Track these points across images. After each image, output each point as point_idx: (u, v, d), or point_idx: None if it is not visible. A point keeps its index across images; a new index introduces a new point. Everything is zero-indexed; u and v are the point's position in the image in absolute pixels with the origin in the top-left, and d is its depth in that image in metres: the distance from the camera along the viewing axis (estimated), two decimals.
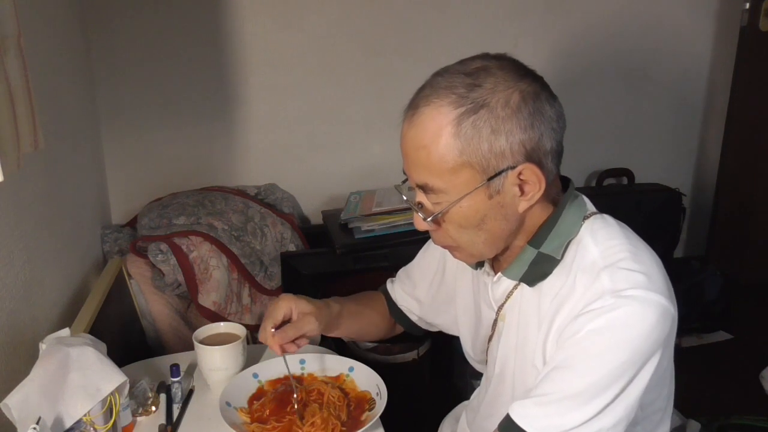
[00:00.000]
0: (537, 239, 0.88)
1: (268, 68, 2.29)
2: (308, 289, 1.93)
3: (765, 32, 2.47)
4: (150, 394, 1.11)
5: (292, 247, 2.10)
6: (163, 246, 1.80)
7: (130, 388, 1.05)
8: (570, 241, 0.87)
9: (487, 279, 0.97)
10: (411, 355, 1.73)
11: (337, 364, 1.16)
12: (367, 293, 1.26)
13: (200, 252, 1.84)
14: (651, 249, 0.87)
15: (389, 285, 1.23)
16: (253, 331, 1.92)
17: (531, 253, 0.88)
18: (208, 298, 1.83)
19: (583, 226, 0.88)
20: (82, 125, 1.94)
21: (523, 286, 0.91)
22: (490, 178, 0.81)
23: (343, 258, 1.94)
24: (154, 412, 1.10)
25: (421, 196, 0.86)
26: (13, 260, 1.17)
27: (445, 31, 2.39)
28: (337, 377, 1.15)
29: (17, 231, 1.21)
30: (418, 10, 2.36)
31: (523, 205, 0.84)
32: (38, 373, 0.93)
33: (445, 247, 0.93)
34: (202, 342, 1.15)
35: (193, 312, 1.86)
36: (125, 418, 1.03)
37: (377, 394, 1.07)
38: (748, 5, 2.50)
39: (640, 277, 0.80)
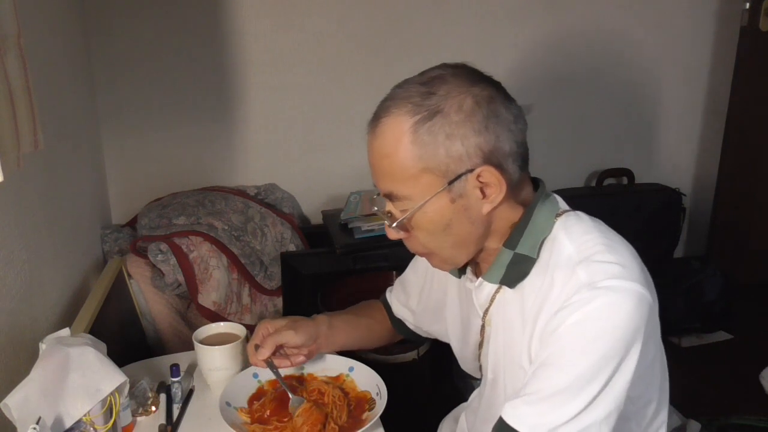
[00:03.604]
0: (511, 240, 0.89)
1: (268, 68, 2.29)
2: (308, 289, 1.93)
3: (765, 32, 2.47)
4: (150, 394, 1.11)
5: (292, 247, 2.10)
6: (163, 246, 1.80)
7: (130, 388, 1.05)
8: (544, 240, 0.88)
9: (470, 285, 0.97)
10: (411, 355, 1.73)
11: (337, 364, 1.17)
12: (366, 302, 1.28)
13: (200, 252, 1.84)
14: (626, 241, 0.88)
15: (388, 294, 1.25)
16: (253, 331, 1.91)
17: (507, 255, 0.89)
18: (208, 298, 1.83)
19: (556, 224, 0.88)
20: (82, 125, 1.94)
21: (505, 289, 0.91)
22: (451, 182, 0.83)
23: (343, 258, 1.94)
24: (154, 412, 1.10)
25: (389, 205, 0.89)
26: (13, 260, 1.17)
27: (445, 31, 2.39)
28: (337, 377, 1.15)
29: (17, 231, 1.21)
30: (419, 10, 2.36)
31: (486, 208, 0.86)
32: (38, 373, 0.93)
33: (419, 254, 0.95)
34: (202, 342, 1.15)
35: (193, 312, 1.86)
36: (125, 418, 1.03)
37: (377, 394, 1.07)
38: (748, 5, 2.50)
39: (614, 268, 0.80)
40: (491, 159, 0.83)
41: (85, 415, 0.93)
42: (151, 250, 1.79)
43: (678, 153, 2.81)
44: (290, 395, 1.07)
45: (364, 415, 1.04)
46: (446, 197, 0.84)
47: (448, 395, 1.76)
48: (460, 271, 1.00)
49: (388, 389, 1.07)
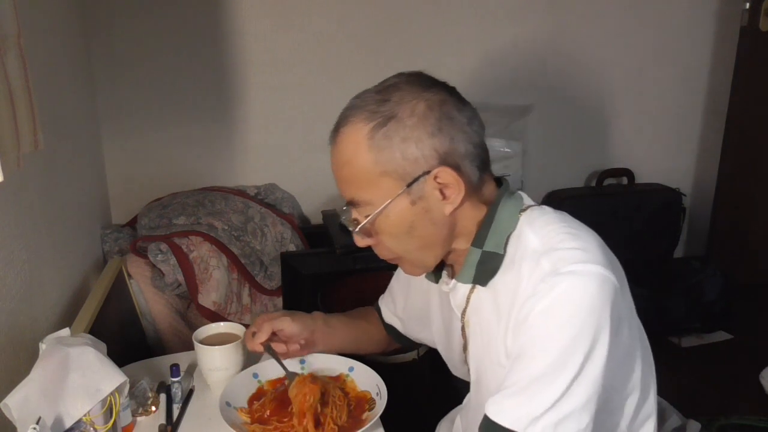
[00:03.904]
0: (478, 239, 0.90)
1: (268, 68, 2.29)
2: (308, 289, 1.93)
3: (765, 32, 2.47)
4: (150, 394, 1.11)
5: (292, 247, 2.09)
6: (163, 246, 1.80)
7: (130, 388, 1.05)
8: (510, 236, 0.89)
9: (445, 288, 0.99)
10: (411, 355, 1.73)
11: (337, 364, 1.17)
12: (362, 308, 1.29)
13: (200, 252, 1.84)
14: (591, 230, 0.89)
15: (380, 301, 1.26)
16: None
17: (476, 254, 0.90)
18: (208, 298, 1.83)
19: (521, 219, 0.90)
20: (82, 125, 1.94)
21: (479, 289, 0.92)
22: (409, 185, 0.86)
23: (343, 258, 1.94)
24: (154, 412, 1.10)
25: (354, 213, 0.91)
26: (13, 260, 1.17)
27: (445, 31, 2.39)
28: (337, 377, 1.15)
29: (17, 231, 1.21)
30: (418, 10, 2.36)
31: (447, 208, 0.88)
32: (38, 373, 0.93)
33: (388, 260, 0.96)
34: (202, 342, 1.15)
35: (193, 312, 1.86)
36: (125, 418, 1.03)
37: (377, 394, 1.07)
38: (748, 5, 2.50)
39: (576, 253, 0.82)
40: (447, 160, 0.85)
41: (85, 415, 0.93)
42: (151, 250, 1.79)
43: (678, 153, 2.81)
44: (286, 371, 1.08)
45: (364, 415, 1.04)
46: (406, 200, 0.86)
47: (448, 395, 1.76)
48: (436, 276, 1.01)
49: (388, 389, 1.07)
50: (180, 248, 1.81)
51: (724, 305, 2.40)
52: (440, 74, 0.91)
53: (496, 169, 2.77)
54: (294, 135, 2.38)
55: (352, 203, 0.90)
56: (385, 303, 1.23)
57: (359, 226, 0.90)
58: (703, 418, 1.87)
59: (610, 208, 2.57)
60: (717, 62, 2.70)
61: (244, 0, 2.20)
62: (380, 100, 0.86)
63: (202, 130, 2.29)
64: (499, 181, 0.95)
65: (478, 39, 2.42)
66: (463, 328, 0.98)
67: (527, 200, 0.94)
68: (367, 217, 0.89)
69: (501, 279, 0.89)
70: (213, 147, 2.32)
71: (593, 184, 2.68)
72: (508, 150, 2.50)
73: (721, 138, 2.70)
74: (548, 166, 2.65)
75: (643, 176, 2.72)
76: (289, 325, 1.13)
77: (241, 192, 2.22)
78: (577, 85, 2.60)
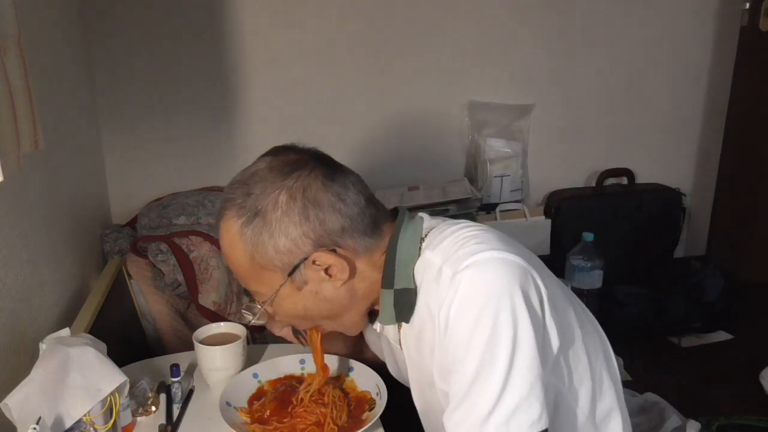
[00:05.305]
0: (387, 281, 0.90)
1: (268, 68, 2.29)
2: None
3: (765, 32, 2.47)
4: (150, 394, 1.11)
5: None
6: (163, 246, 1.80)
7: (130, 388, 1.05)
8: (415, 267, 0.89)
9: (378, 329, 0.99)
10: None
11: (337, 364, 1.16)
12: None
13: (200, 252, 1.84)
14: (492, 228, 0.88)
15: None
16: (253, 331, 1.92)
17: (389, 295, 0.90)
18: (208, 298, 1.83)
19: (422, 246, 0.90)
20: (82, 125, 1.94)
21: (404, 323, 0.92)
22: (290, 274, 0.87)
23: None
24: (154, 412, 1.10)
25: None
26: (13, 260, 1.17)
27: (446, 31, 2.39)
28: (337, 377, 1.15)
29: (17, 231, 1.21)
30: (419, 9, 2.36)
31: (337, 284, 0.89)
32: (38, 373, 0.93)
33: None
34: (202, 342, 1.15)
35: (193, 312, 1.86)
36: (125, 418, 1.03)
37: (377, 394, 1.07)
38: (748, 5, 2.50)
39: (470, 248, 0.82)
40: (323, 242, 0.86)
41: (85, 415, 0.93)
42: (151, 250, 1.79)
43: (678, 153, 2.81)
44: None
45: (364, 415, 1.04)
46: (292, 287, 0.88)
47: None
48: (371, 318, 1.01)
49: (388, 389, 1.06)
50: (180, 248, 1.81)
51: (724, 305, 2.40)
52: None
53: (496, 169, 2.76)
54: (294, 135, 2.35)
55: (246, 293, 0.93)
56: (365, 334, 1.22)
57: (257, 315, 0.93)
58: (703, 418, 1.87)
59: (610, 208, 2.57)
60: (717, 62, 2.70)
61: (245, 0, 2.20)
62: (245, 193, 0.87)
63: (202, 129, 2.29)
64: (395, 212, 0.95)
65: (479, 39, 2.42)
66: (405, 360, 0.99)
67: (428, 223, 0.93)
68: (262, 303, 0.91)
69: (418, 309, 0.89)
70: (213, 147, 2.32)
71: (593, 184, 2.68)
72: (508, 150, 2.50)
73: (721, 138, 2.70)
74: (548, 166, 2.65)
75: (643, 176, 2.72)
76: None
77: None
78: (577, 85, 2.60)
